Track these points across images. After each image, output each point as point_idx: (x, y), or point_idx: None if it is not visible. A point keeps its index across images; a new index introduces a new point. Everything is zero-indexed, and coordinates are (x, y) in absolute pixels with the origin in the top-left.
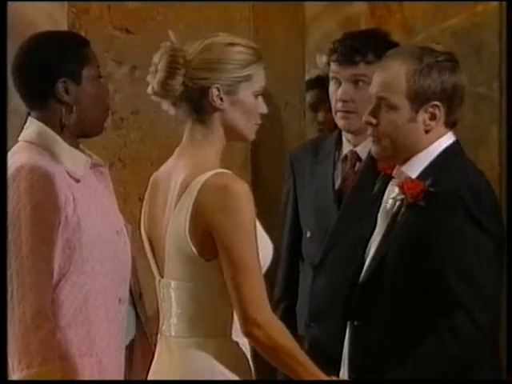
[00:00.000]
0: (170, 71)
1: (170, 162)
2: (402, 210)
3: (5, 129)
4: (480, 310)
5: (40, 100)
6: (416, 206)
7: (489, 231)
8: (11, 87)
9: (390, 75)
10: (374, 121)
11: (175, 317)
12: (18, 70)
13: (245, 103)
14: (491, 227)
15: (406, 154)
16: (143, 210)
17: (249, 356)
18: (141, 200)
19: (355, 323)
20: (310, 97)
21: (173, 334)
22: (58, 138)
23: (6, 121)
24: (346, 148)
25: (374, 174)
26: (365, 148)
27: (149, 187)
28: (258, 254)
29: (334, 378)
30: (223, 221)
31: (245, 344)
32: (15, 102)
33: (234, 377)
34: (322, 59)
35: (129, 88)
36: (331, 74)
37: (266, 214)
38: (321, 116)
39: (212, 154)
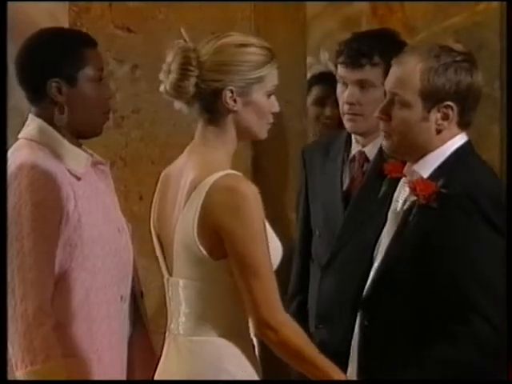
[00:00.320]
0: (183, 73)
1: (180, 160)
2: (414, 210)
3: (5, 126)
4: (493, 309)
5: (36, 97)
6: (428, 208)
7: (502, 232)
8: (11, 85)
9: (405, 71)
10: (385, 117)
11: (184, 315)
12: (17, 65)
13: (258, 104)
14: (504, 228)
15: (417, 152)
16: (153, 207)
17: (257, 355)
18: (142, 199)
19: (365, 323)
20: (315, 92)
21: (181, 332)
22: (58, 135)
23: (6, 118)
24: (355, 148)
25: (380, 176)
26: (373, 148)
27: (159, 184)
28: (269, 256)
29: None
30: (232, 223)
31: (253, 342)
32: (15, 99)
33: (241, 376)
34: (325, 55)
35: (130, 87)
36: (338, 76)
37: (267, 211)
38: (328, 111)
39: (223, 154)
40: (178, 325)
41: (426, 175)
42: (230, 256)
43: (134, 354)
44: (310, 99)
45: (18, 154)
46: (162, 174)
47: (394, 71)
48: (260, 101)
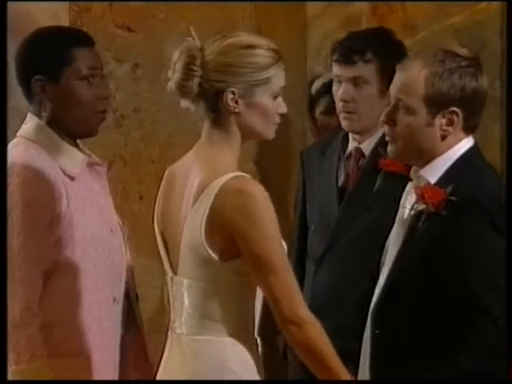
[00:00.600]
0: (186, 73)
1: (186, 158)
2: (422, 218)
3: (5, 126)
4: (500, 310)
5: (29, 95)
6: (437, 215)
7: (505, 233)
8: (11, 85)
9: (410, 77)
10: (390, 122)
11: (187, 315)
12: (14, 62)
13: (262, 105)
14: (506, 229)
15: (423, 156)
16: (157, 205)
17: (260, 355)
18: (142, 198)
19: (376, 331)
20: (324, 102)
21: (184, 331)
22: (54, 135)
23: (6, 117)
24: (352, 145)
25: (375, 171)
26: (369, 145)
27: (163, 182)
28: (283, 253)
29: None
30: (243, 224)
31: (256, 342)
32: (15, 99)
33: (246, 375)
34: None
35: (130, 86)
36: (333, 75)
37: None
38: (337, 120)
39: (229, 155)
40: (182, 324)
41: (433, 181)
42: (245, 257)
43: (128, 355)
44: (319, 109)
45: (12, 152)
46: (167, 171)
47: (398, 76)
48: (265, 102)
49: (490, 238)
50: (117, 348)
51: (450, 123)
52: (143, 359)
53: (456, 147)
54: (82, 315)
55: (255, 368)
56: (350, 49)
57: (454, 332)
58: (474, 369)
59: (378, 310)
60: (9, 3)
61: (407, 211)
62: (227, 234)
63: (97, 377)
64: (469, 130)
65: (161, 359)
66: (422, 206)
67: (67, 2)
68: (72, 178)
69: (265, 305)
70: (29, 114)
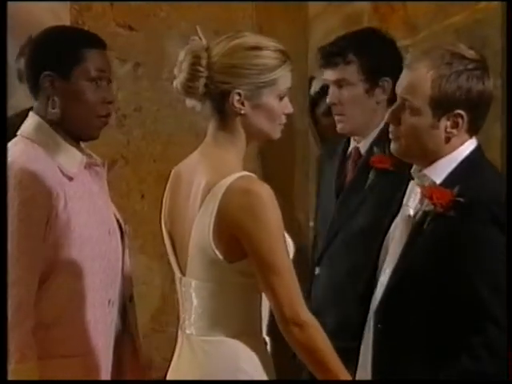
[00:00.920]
0: (192, 73)
1: (192, 158)
2: (428, 218)
3: (5, 126)
4: (501, 311)
5: (35, 91)
6: (443, 216)
7: (506, 233)
8: (11, 84)
9: (416, 78)
10: (395, 121)
11: (196, 315)
12: (24, 56)
13: (268, 107)
14: (507, 228)
15: (427, 156)
16: (164, 205)
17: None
18: (143, 197)
19: (379, 326)
20: (323, 105)
21: (194, 332)
22: (54, 134)
23: (6, 118)
24: (352, 145)
25: (368, 168)
26: (365, 144)
27: (169, 181)
28: (288, 254)
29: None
30: (249, 224)
31: (265, 341)
32: (15, 98)
33: (255, 376)
34: None
35: (132, 85)
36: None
37: None
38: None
39: (234, 155)
40: (191, 324)
41: (438, 181)
42: (249, 256)
43: (122, 357)
44: (319, 110)
45: (12, 152)
46: (173, 171)
47: (404, 76)
48: (271, 103)
49: (495, 239)
50: (110, 350)
51: (455, 126)
52: (136, 361)
53: (460, 148)
54: (77, 316)
55: (266, 368)
56: (330, 52)
57: (457, 332)
58: (475, 369)
59: (381, 308)
60: (9, 3)
61: (411, 211)
62: (233, 234)
63: (90, 378)
64: (473, 131)
65: (168, 360)
66: (428, 207)
67: (68, 2)
68: (70, 179)
69: None
70: (30, 113)
